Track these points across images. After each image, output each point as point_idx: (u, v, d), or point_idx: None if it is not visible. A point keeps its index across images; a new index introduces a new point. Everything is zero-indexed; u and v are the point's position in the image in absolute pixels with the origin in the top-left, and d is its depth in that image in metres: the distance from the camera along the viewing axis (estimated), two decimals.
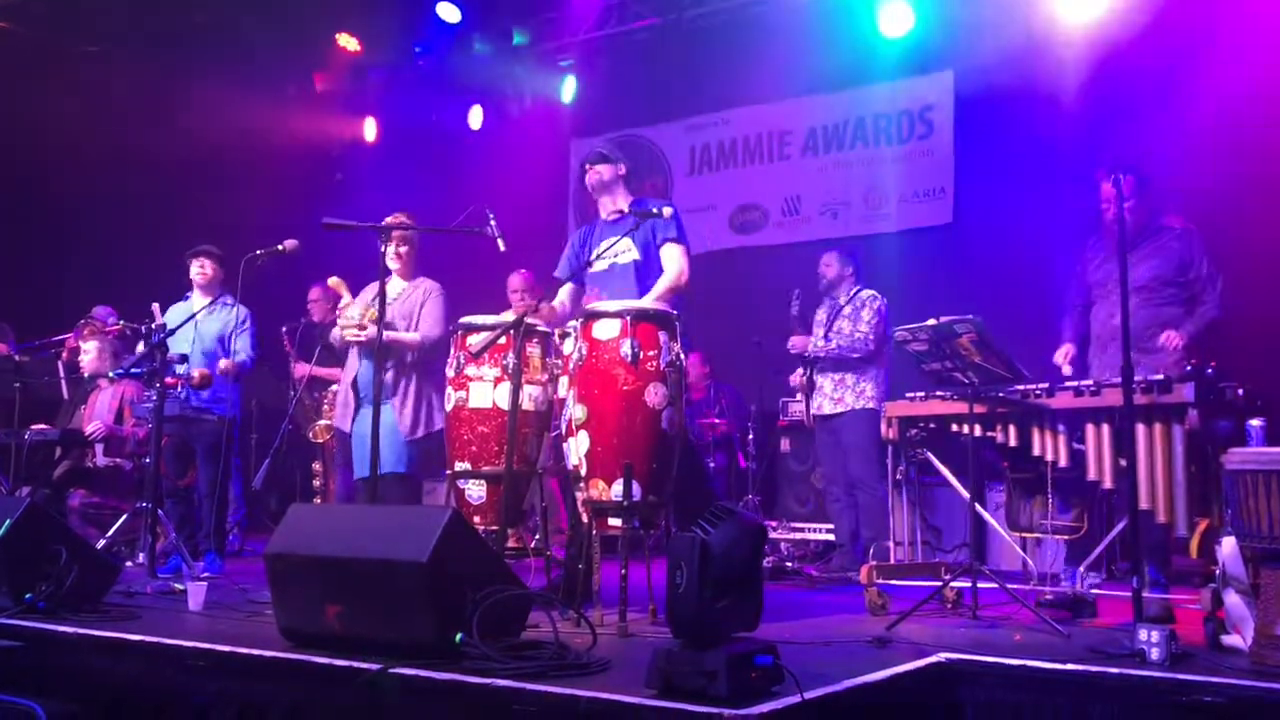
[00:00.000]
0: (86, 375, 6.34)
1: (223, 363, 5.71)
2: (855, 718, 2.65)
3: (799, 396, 6.16)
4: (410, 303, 5.05)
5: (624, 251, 4.46)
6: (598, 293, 4.45)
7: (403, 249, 5.06)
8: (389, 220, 4.79)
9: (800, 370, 5.98)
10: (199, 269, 5.89)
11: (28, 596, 3.63)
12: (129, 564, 5.42)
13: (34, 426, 6.21)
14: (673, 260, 4.39)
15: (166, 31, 8.25)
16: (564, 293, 4.68)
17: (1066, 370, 4.58)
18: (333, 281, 5.12)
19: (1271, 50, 5.99)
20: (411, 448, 4.93)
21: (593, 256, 4.43)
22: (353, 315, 4.84)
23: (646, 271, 4.42)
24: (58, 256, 7.93)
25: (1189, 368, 3.83)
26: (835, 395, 5.82)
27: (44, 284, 7.76)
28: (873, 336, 5.71)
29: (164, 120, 8.21)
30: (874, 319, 5.75)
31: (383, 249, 4.59)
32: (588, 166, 4.59)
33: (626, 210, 4.51)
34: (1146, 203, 4.42)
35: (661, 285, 4.31)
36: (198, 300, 5.89)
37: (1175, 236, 4.42)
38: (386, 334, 4.48)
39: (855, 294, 5.92)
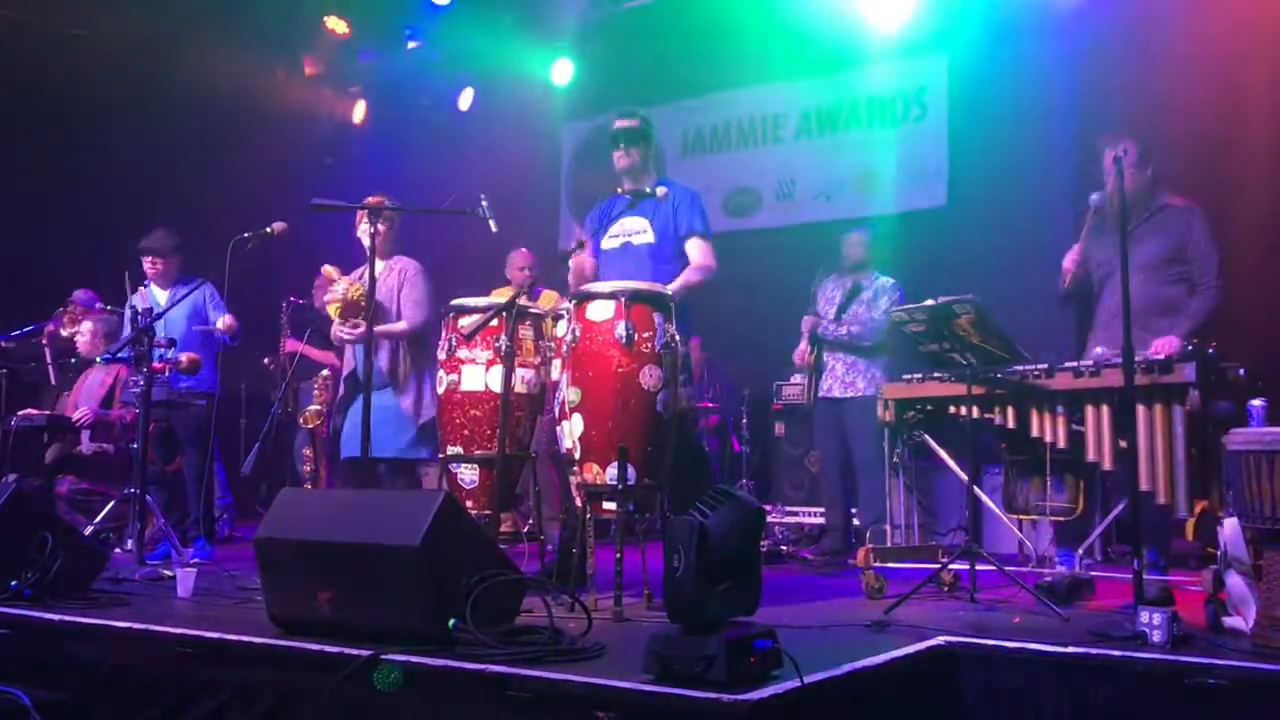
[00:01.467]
0: (83, 355, 6.25)
1: (222, 321, 5.64)
2: (855, 701, 2.62)
3: (801, 376, 6.07)
4: (386, 287, 4.95)
5: (640, 232, 4.39)
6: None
7: (381, 227, 4.95)
8: (370, 201, 4.72)
9: (806, 347, 5.89)
10: (149, 265, 5.86)
11: (13, 583, 3.58)
12: (117, 550, 5.38)
13: (21, 412, 6.14)
14: (702, 254, 4.36)
15: (153, 14, 8.14)
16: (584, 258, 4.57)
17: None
18: (326, 270, 5.08)
19: (1269, 23, 5.95)
20: (420, 432, 4.87)
21: (606, 233, 4.38)
22: (338, 290, 4.78)
23: (660, 256, 4.36)
24: (41, 240, 7.83)
25: (1190, 347, 3.79)
26: (847, 379, 5.74)
27: (28, 268, 7.67)
28: (887, 323, 5.65)
29: (149, 103, 8.11)
30: (890, 307, 5.67)
31: (358, 230, 4.52)
32: (623, 147, 4.43)
33: (649, 190, 4.39)
34: (1149, 176, 4.34)
35: (693, 277, 4.28)
36: (158, 292, 5.84)
37: (1176, 214, 4.35)
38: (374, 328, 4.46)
39: (876, 280, 5.86)
